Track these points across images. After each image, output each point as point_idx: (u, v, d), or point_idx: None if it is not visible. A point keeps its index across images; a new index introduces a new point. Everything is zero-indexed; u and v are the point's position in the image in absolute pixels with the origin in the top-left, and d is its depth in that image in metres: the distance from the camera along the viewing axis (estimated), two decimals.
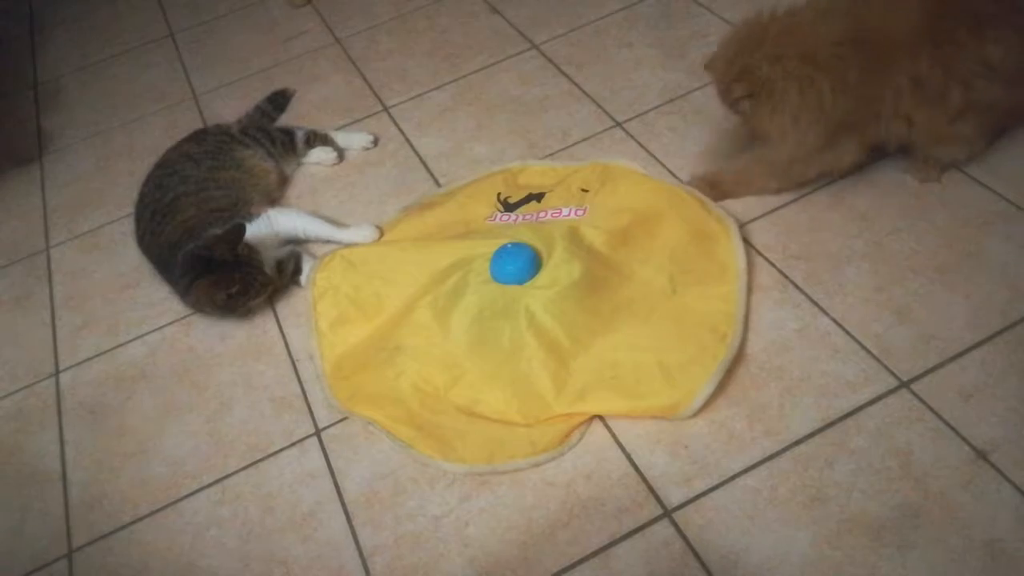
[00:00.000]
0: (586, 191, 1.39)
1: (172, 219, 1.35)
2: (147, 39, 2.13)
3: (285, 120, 1.74)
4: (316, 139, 1.57)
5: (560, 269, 1.19)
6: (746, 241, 1.27)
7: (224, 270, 1.26)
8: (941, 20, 1.10)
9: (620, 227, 1.28)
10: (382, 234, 1.40)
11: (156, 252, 1.38)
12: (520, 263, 1.20)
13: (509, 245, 1.22)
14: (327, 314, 1.29)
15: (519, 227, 1.32)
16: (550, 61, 1.73)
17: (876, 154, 1.29)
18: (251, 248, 1.30)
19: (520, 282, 1.20)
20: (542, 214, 1.37)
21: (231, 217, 1.33)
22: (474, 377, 1.15)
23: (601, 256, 1.24)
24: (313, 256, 1.39)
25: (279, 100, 1.76)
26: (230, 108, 1.80)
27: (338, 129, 1.66)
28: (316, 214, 1.44)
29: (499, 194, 1.44)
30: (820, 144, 1.18)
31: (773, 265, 1.24)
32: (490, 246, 1.24)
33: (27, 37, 2.25)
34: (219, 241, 1.26)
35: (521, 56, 1.76)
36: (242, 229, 1.27)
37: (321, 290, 1.32)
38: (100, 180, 1.71)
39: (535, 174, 1.47)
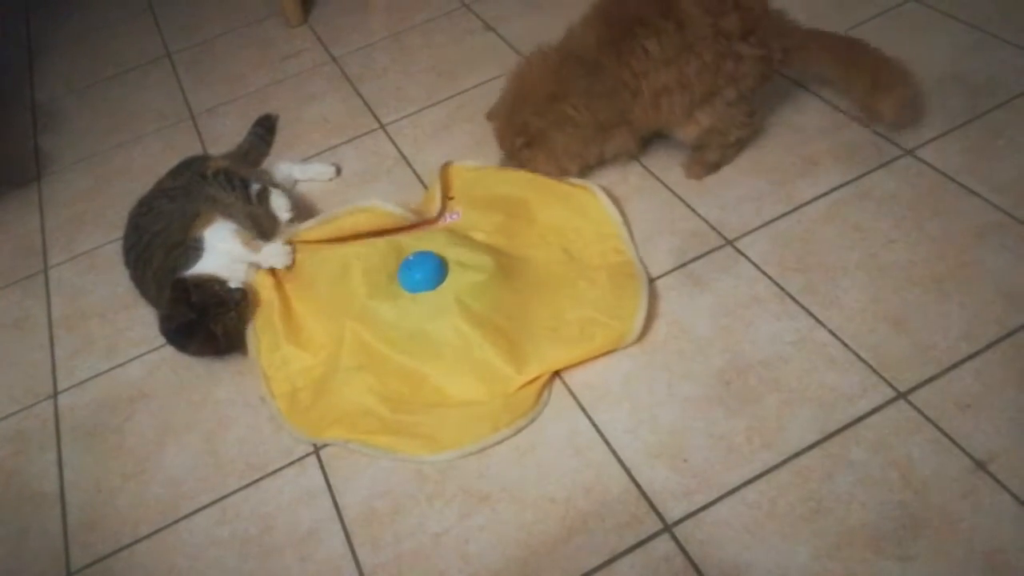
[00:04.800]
0: (451, 198, 1.47)
1: (148, 268, 1.35)
2: (144, 59, 2.14)
3: (279, 141, 1.74)
4: (262, 196, 1.46)
5: (471, 265, 1.27)
6: (742, 254, 1.28)
7: (198, 329, 1.25)
8: (611, 30, 1.31)
9: (499, 224, 1.39)
10: (293, 259, 1.35)
11: (148, 299, 1.39)
12: (427, 269, 1.26)
13: (411, 256, 1.28)
14: (270, 359, 1.28)
15: (406, 238, 1.36)
16: None
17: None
18: (205, 286, 1.27)
19: (432, 287, 1.26)
20: (422, 226, 1.42)
21: (184, 249, 1.31)
22: (435, 378, 1.20)
23: (497, 250, 1.33)
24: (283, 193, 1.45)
25: (268, 123, 1.77)
26: (227, 128, 1.81)
27: (322, 153, 1.68)
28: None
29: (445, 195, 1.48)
30: (601, 149, 1.41)
31: (769, 278, 1.24)
32: (389, 251, 1.31)
33: (25, 58, 2.26)
34: (173, 309, 1.26)
35: None
36: (179, 285, 1.26)
37: (259, 331, 1.30)
38: (98, 200, 1.71)
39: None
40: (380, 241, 1.36)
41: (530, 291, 1.27)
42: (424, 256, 1.28)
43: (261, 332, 1.30)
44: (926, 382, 1.08)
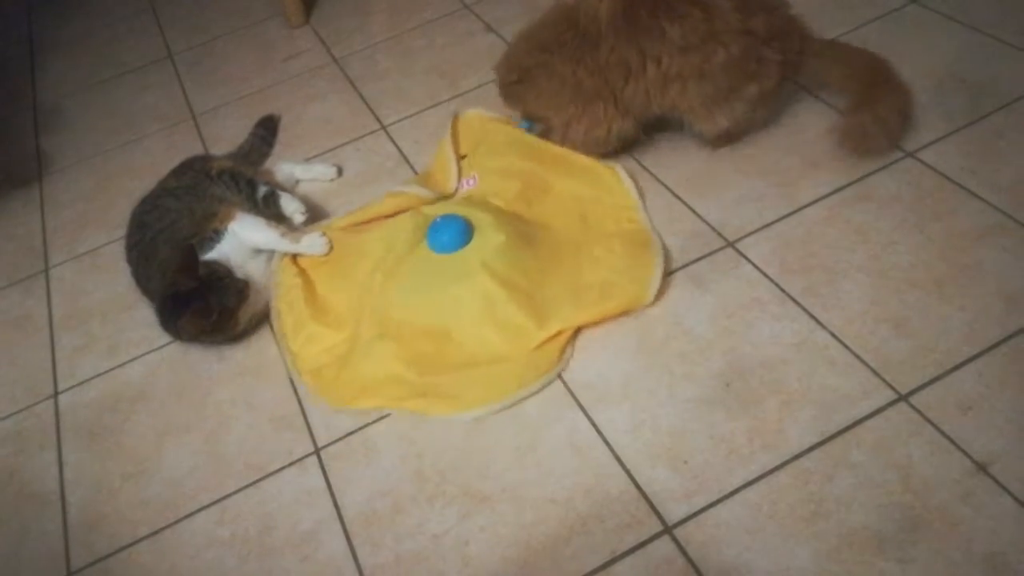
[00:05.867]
0: (464, 156, 1.52)
1: (153, 261, 1.35)
2: (146, 60, 2.15)
3: (280, 142, 1.75)
4: (271, 199, 1.47)
5: (493, 228, 1.31)
6: (743, 255, 1.28)
7: (196, 299, 1.26)
8: (627, 9, 1.31)
9: (517, 192, 1.43)
10: (331, 247, 1.40)
11: (151, 296, 1.38)
12: (454, 230, 1.30)
13: (439, 219, 1.32)
14: (295, 336, 1.30)
15: (429, 208, 1.41)
16: None
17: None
18: (213, 266, 1.29)
19: (458, 248, 1.29)
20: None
21: (199, 240, 1.32)
22: (458, 336, 1.23)
23: (517, 216, 1.39)
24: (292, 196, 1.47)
25: (270, 124, 1.77)
26: (228, 128, 1.81)
27: (323, 154, 1.68)
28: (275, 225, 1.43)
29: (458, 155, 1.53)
30: (579, 112, 1.41)
31: (770, 279, 1.24)
32: (410, 223, 1.36)
33: (26, 58, 2.27)
34: (178, 274, 1.27)
35: None
36: (191, 251, 1.27)
37: (283, 314, 1.33)
38: (99, 200, 1.72)
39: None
40: (404, 215, 1.41)
41: (549, 255, 1.31)
42: (451, 218, 1.31)
43: (285, 314, 1.33)
44: (927, 384, 1.08)
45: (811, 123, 1.48)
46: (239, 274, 1.32)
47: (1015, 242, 1.21)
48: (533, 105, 1.46)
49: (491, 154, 1.50)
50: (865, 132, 1.33)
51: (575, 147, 1.46)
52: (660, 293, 1.26)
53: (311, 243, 1.39)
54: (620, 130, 1.41)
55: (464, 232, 1.30)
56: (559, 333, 1.21)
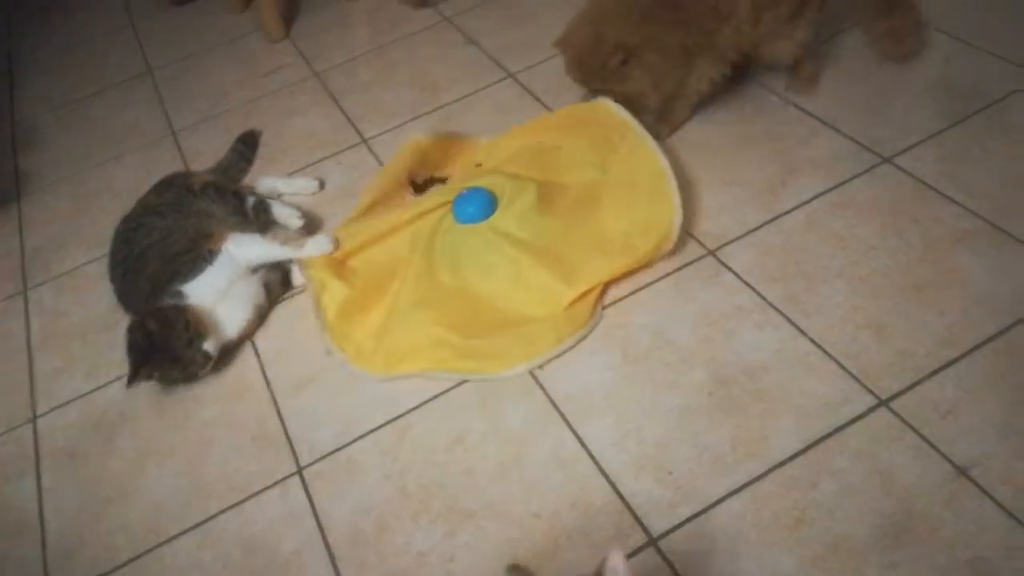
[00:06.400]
0: (479, 164, 1.55)
1: (141, 275, 1.34)
2: (126, 76, 2.14)
3: (262, 156, 1.74)
4: (260, 208, 1.48)
5: (516, 197, 1.36)
6: (724, 264, 1.29)
7: (144, 360, 1.24)
8: None
9: (527, 160, 1.48)
10: (338, 244, 1.41)
11: (135, 310, 1.36)
12: (479, 202, 1.36)
13: (465, 191, 1.38)
14: (331, 307, 1.34)
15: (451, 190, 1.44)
16: (526, 90, 1.75)
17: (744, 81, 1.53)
18: (171, 331, 1.25)
19: (483, 218, 1.35)
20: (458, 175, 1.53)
21: (193, 257, 1.32)
22: (493, 299, 1.29)
23: (535, 182, 1.40)
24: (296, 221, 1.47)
25: (250, 140, 1.76)
26: (209, 144, 1.80)
27: (304, 168, 1.68)
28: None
29: (410, 176, 1.56)
30: (686, 75, 1.45)
31: (751, 287, 1.25)
32: (439, 203, 1.40)
33: (5, 76, 2.25)
34: (132, 331, 1.25)
35: (498, 85, 1.78)
36: (136, 328, 1.25)
37: (320, 285, 1.37)
38: (79, 219, 1.70)
39: (436, 148, 1.59)
40: (427, 196, 1.47)
41: (572, 212, 1.36)
42: (475, 191, 1.37)
43: (321, 290, 1.36)
44: (907, 389, 1.08)
45: (788, 130, 1.49)
46: (223, 301, 1.31)
47: (992, 246, 1.22)
48: (643, 80, 1.44)
49: (499, 151, 1.55)
50: (896, 33, 1.48)
51: (676, 117, 1.52)
52: (643, 304, 1.26)
53: (316, 244, 1.39)
54: (717, 77, 1.46)
55: (488, 203, 1.36)
56: (590, 290, 1.26)
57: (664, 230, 1.29)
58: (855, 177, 1.37)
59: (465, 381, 1.22)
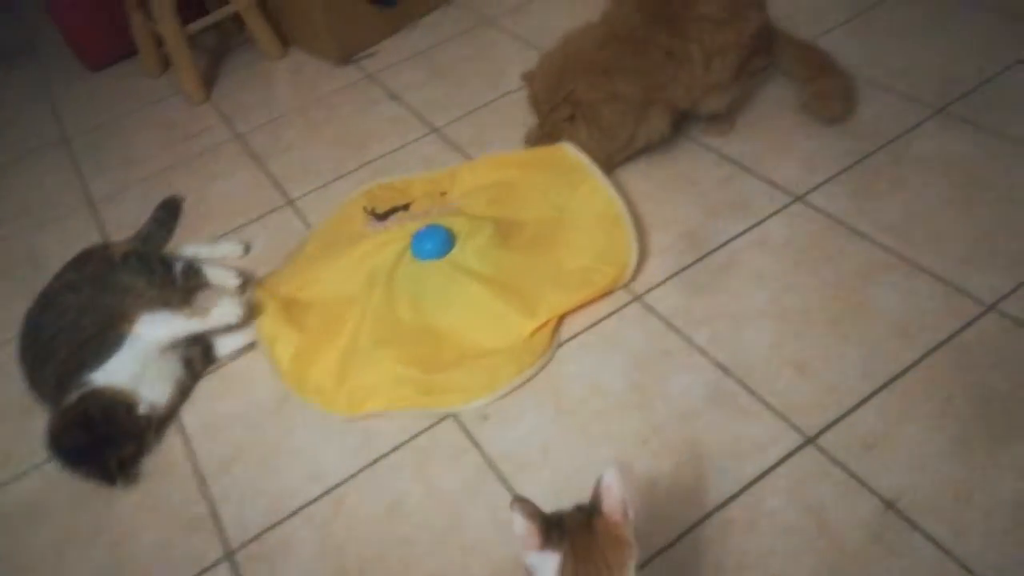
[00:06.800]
0: (444, 193, 1.59)
1: (49, 363, 1.29)
2: (41, 144, 2.07)
3: (184, 223, 1.70)
4: (190, 272, 1.47)
5: (474, 233, 1.39)
6: (650, 309, 1.31)
7: (95, 453, 1.20)
8: (657, 4, 1.42)
9: (488, 198, 1.52)
10: (247, 309, 1.37)
11: (48, 398, 1.30)
12: (437, 239, 1.39)
13: (424, 228, 1.41)
14: (284, 357, 1.33)
15: (416, 221, 1.47)
16: (450, 144, 1.76)
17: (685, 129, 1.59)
18: (110, 410, 1.22)
19: (442, 255, 1.38)
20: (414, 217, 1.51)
21: (100, 342, 1.27)
22: (454, 335, 1.30)
23: (493, 218, 1.45)
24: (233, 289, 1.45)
25: (171, 206, 1.72)
26: (130, 213, 1.75)
27: (228, 232, 1.65)
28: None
29: (365, 207, 1.59)
30: (628, 130, 1.49)
31: (677, 331, 1.27)
32: (397, 238, 1.43)
33: None
34: (67, 428, 1.21)
35: (423, 140, 1.79)
36: (82, 404, 1.21)
37: (271, 338, 1.36)
38: None
39: (393, 189, 1.63)
40: (384, 236, 1.46)
41: (529, 248, 1.40)
42: (433, 228, 1.40)
43: (273, 342, 1.35)
44: (831, 425, 1.10)
45: (705, 174, 1.53)
46: (144, 398, 1.26)
47: (902, 277, 1.27)
48: (589, 138, 1.48)
49: (463, 182, 1.60)
50: (826, 95, 1.53)
51: (615, 161, 1.54)
52: (575, 352, 1.27)
53: (222, 312, 1.33)
54: (665, 127, 1.49)
55: (446, 240, 1.39)
56: (548, 321, 1.29)
57: (623, 260, 1.34)
58: (771, 216, 1.42)
59: (401, 445, 1.20)
